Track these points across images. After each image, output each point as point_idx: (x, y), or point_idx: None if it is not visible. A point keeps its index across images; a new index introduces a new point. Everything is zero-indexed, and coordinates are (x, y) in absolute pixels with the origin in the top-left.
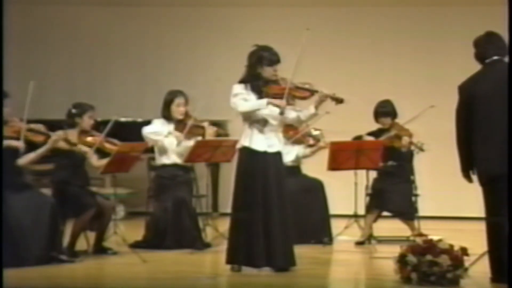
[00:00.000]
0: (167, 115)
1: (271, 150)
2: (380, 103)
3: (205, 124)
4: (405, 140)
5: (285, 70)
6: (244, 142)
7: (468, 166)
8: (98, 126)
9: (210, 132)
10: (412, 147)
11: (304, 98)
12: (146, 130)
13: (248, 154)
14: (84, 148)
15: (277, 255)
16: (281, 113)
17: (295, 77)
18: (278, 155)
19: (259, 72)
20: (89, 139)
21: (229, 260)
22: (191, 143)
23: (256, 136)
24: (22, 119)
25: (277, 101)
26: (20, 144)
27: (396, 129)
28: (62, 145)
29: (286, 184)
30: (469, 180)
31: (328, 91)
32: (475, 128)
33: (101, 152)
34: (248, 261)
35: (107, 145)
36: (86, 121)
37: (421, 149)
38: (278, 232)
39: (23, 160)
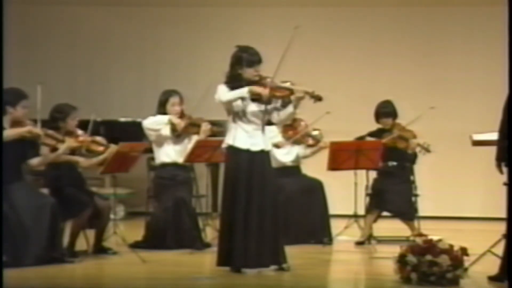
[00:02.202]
0: (162, 115)
1: (254, 148)
2: (381, 103)
3: (201, 121)
4: (413, 142)
5: (284, 70)
6: (228, 140)
7: (502, 157)
8: (97, 126)
9: (205, 130)
10: (418, 149)
11: (284, 97)
12: (147, 121)
13: (232, 152)
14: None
15: (259, 255)
16: (265, 109)
17: (279, 76)
18: (264, 153)
19: (239, 73)
20: (75, 142)
21: (218, 263)
22: (184, 142)
23: (239, 135)
24: (36, 120)
25: (259, 89)
26: (39, 131)
27: (398, 129)
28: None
29: (272, 183)
30: (500, 171)
31: (307, 89)
32: None
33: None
34: (228, 262)
35: (93, 146)
36: (70, 124)
37: (428, 150)
38: (259, 232)
39: (35, 161)
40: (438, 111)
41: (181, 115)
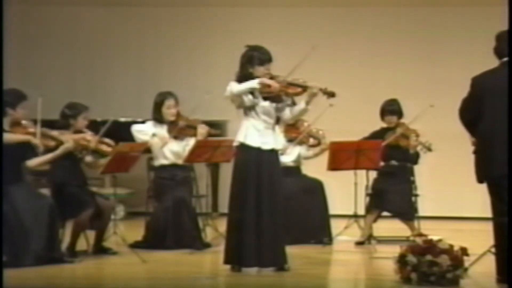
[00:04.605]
0: (158, 118)
1: (265, 147)
2: (387, 101)
3: (198, 123)
4: (413, 139)
5: (284, 70)
6: (239, 138)
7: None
8: (97, 126)
9: (202, 132)
10: (420, 147)
11: (296, 94)
12: (134, 128)
13: (242, 150)
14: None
15: (265, 256)
16: (278, 100)
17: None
18: (273, 153)
19: (250, 72)
20: (84, 142)
21: (225, 260)
22: (181, 144)
23: (251, 133)
24: (36, 121)
25: (269, 80)
26: (38, 142)
27: (402, 128)
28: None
29: (280, 183)
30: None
31: (320, 85)
32: (481, 124)
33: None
34: (238, 261)
35: (102, 147)
36: (81, 122)
37: (429, 149)
38: (268, 231)
39: (33, 163)
40: (439, 111)
41: (177, 117)
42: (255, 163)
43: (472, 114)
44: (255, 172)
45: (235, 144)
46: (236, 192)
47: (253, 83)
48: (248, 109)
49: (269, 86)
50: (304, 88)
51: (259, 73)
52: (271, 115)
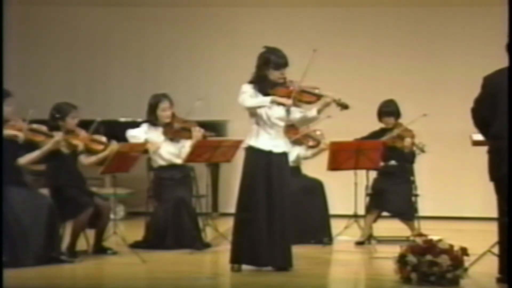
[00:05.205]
0: (153, 120)
1: (276, 150)
2: (384, 102)
3: (193, 126)
4: (407, 141)
5: (286, 71)
6: (250, 141)
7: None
8: (98, 126)
9: (197, 135)
10: (414, 148)
11: (309, 102)
12: (128, 134)
13: (253, 153)
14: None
15: (277, 255)
16: (287, 111)
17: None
18: (283, 156)
19: (266, 75)
20: (75, 140)
21: (233, 260)
22: (177, 146)
23: (262, 136)
24: (25, 119)
25: (282, 100)
26: (19, 134)
27: (399, 129)
28: (63, 146)
29: (289, 185)
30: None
31: (334, 96)
32: (495, 123)
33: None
34: (251, 261)
35: (93, 145)
36: (70, 123)
37: (422, 150)
38: (278, 232)
39: (24, 160)
40: (439, 111)
41: (172, 118)
42: (266, 165)
43: (485, 113)
44: (265, 174)
45: (244, 146)
46: (245, 193)
47: (266, 102)
48: (260, 115)
49: (281, 104)
50: (318, 97)
51: (273, 77)
52: (283, 120)
